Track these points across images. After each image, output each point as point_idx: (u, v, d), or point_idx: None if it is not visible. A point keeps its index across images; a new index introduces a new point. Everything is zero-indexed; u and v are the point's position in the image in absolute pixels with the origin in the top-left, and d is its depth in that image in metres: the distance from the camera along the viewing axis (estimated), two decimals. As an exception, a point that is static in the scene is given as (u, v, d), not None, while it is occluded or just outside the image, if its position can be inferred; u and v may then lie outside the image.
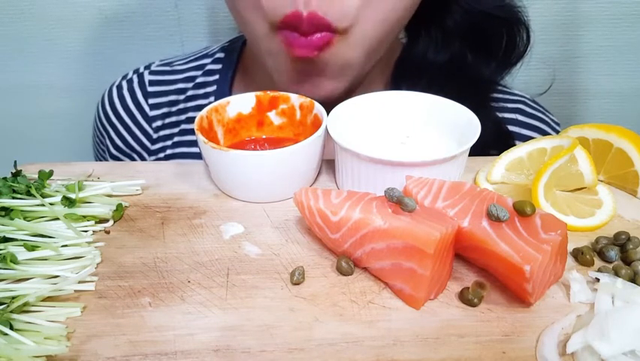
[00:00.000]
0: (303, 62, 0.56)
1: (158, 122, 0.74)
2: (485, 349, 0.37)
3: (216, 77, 0.73)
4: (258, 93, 0.57)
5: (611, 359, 0.35)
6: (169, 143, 0.73)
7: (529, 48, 0.68)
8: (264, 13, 0.54)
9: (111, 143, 0.76)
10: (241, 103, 0.57)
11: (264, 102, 0.57)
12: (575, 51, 0.95)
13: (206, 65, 0.75)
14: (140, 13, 0.92)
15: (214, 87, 0.73)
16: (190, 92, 0.74)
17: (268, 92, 0.57)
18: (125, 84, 0.75)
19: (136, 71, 0.76)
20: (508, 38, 0.67)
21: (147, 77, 0.75)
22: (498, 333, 0.38)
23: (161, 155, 0.74)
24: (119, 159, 0.76)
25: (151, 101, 0.74)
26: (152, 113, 0.74)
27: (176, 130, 0.73)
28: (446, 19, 0.66)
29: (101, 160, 0.80)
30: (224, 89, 0.72)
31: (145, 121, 0.74)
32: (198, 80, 0.74)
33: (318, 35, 0.53)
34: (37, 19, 0.92)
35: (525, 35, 0.67)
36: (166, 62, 0.77)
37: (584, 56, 0.95)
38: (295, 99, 0.57)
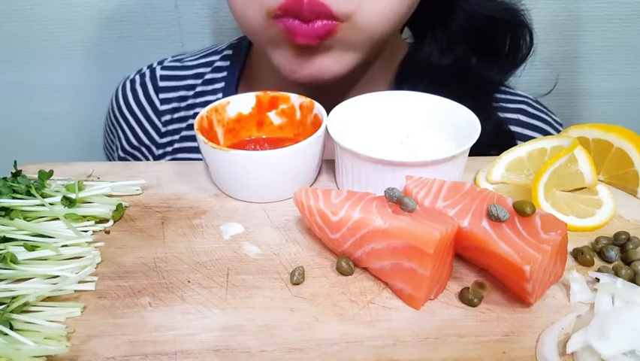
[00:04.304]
0: (305, 48, 0.56)
1: (167, 117, 0.75)
2: (485, 349, 0.37)
3: (224, 73, 0.74)
4: (258, 93, 0.57)
5: (611, 359, 0.35)
6: (177, 137, 0.74)
7: (532, 50, 0.68)
8: (260, 2, 0.54)
9: (124, 136, 0.77)
10: (241, 103, 0.57)
11: (264, 102, 0.57)
12: (575, 51, 0.94)
13: (214, 61, 0.76)
14: (140, 13, 0.92)
15: (222, 84, 0.74)
16: (199, 88, 0.75)
17: (268, 92, 0.57)
18: (137, 78, 0.77)
19: (149, 66, 0.78)
20: (512, 41, 0.68)
21: (159, 72, 0.76)
22: (498, 333, 0.38)
23: (169, 148, 0.75)
24: (131, 154, 0.78)
25: (161, 95, 0.75)
26: (162, 108, 0.75)
27: (183, 125, 0.74)
28: (451, 22, 0.66)
29: (111, 155, 0.82)
30: (232, 86, 0.73)
31: (155, 115, 0.75)
32: (207, 76, 0.75)
33: (320, 23, 0.53)
34: (37, 19, 0.92)
35: (528, 38, 0.68)
36: (178, 57, 0.78)
37: (584, 56, 0.95)
38: (295, 99, 0.56)
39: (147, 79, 0.76)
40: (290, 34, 0.54)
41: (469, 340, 0.38)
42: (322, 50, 0.56)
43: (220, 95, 0.73)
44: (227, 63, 0.75)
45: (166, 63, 0.77)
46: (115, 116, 0.78)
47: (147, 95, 0.75)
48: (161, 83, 0.75)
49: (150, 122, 0.75)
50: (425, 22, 0.67)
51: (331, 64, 0.57)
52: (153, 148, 0.76)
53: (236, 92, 0.73)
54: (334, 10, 0.52)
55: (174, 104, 0.75)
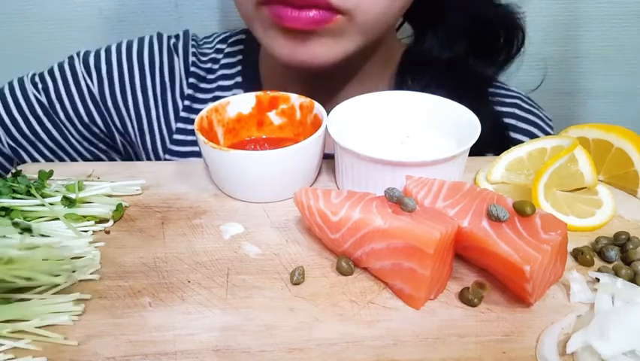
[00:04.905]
0: (296, 33, 0.56)
1: (190, 91, 0.72)
2: (485, 349, 0.37)
3: (240, 57, 0.74)
4: (258, 93, 0.57)
5: (611, 359, 0.35)
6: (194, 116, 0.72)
7: (522, 50, 0.70)
8: None
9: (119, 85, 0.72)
10: (241, 103, 0.57)
11: (264, 102, 0.57)
12: (575, 51, 0.95)
13: (224, 49, 0.75)
14: (140, 13, 0.92)
15: (239, 67, 0.73)
16: (218, 72, 0.73)
17: (268, 92, 0.57)
18: (166, 39, 0.73)
19: (177, 36, 0.74)
20: (505, 41, 0.69)
21: (181, 47, 0.73)
22: (498, 333, 0.38)
23: (190, 127, 0.71)
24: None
25: (192, 69, 0.72)
26: (189, 81, 0.72)
27: (201, 106, 0.71)
28: (447, 19, 0.67)
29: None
30: (249, 69, 0.72)
31: (178, 83, 0.72)
32: (222, 61, 0.74)
33: (316, 12, 0.53)
34: (37, 19, 0.92)
35: (520, 38, 0.69)
36: (194, 38, 0.76)
37: (584, 56, 0.95)
38: (295, 99, 0.57)
39: (181, 48, 0.72)
40: (277, 19, 0.54)
41: (469, 340, 0.38)
42: (315, 36, 0.56)
43: (239, 78, 0.72)
44: (242, 47, 0.74)
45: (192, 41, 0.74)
46: (119, 62, 0.71)
47: (186, 61, 0.72)
48: (192, 59, 0.73)
49: (172, 85, 0.70)
50: (425, 19, 0.68)
51: (324, 51, 0.57)
52: (164, 129, 0.71)
53: (256, 75, 0.71)
54: (333, 3, 0.53)
55: (193, 80, 0.72)
